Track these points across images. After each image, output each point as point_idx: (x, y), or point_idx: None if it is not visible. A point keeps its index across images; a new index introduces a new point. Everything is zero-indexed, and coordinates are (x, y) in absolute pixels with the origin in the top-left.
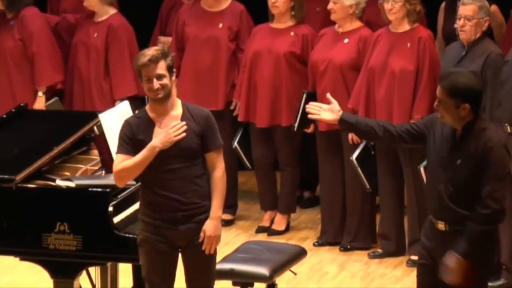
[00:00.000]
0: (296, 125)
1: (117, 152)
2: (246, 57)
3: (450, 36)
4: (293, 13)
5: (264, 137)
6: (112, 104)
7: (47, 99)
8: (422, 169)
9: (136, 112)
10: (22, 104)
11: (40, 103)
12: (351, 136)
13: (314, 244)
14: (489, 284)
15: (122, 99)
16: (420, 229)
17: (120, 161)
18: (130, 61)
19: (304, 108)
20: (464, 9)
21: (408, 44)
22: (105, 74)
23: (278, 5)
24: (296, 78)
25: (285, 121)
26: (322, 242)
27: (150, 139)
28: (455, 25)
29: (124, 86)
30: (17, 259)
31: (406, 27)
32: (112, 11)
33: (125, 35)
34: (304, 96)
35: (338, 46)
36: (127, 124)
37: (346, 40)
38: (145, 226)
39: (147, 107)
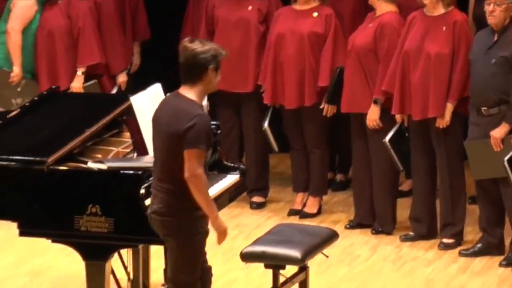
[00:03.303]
0: (326, 99)
1: (202, 148)
2: (270, 39)
3: (481, 20)
4: None
5: (295, 118)
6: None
7: (86, 81)
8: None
9: (196, 106)
10: (53, 87)
11: (78, 82)
12: (373, 121)
13: (345, 227)
14: None
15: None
16: (452, 212)
17: (201, 164)
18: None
19: (336, 83)
20: None
21: (444, 27)
22: None
23: None
24: (320, 58)
25: (308, 101)
26: (353, 224)
27: None
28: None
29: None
30: (49, 241)
31: (441, 10)
32: None
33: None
34: (337, 71)
35: (366, 30)
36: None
37: (370, 25)
38: (202, 219)
39: (197, 101)
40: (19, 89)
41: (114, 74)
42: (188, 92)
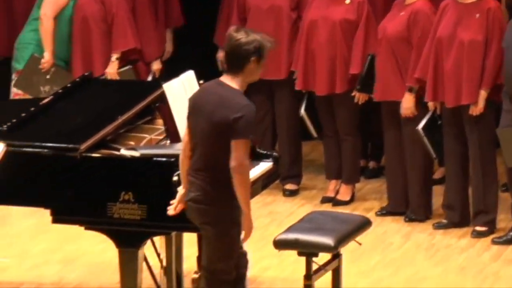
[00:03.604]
0: (359, 86)
1: (250, 138)
2: (302, 26)
3: None
4: None
5: (326, 105)
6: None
7: (121, 67)
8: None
9: (239, 93)
10: (86, 73)
11: (112, 68)
12: (407, 110)
13: (377, 214)
14: None
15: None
16: (485, 200)
17: (249, 150)
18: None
19: (367, 70)
20: None
21: (477, 14)
22: None
23: None
24: (351, 45)
25: (339, 88)
26: (386, 212)
27: None
28: None
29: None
30: (82, 228)
31: None
32: None
33: None
34: (369, 59)
35: (397, 18)
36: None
37: (402, 13)
38: (239, 209)
39: (240, 90)
40: (48, 76)
41: (148, 61)
42: (231, 81)
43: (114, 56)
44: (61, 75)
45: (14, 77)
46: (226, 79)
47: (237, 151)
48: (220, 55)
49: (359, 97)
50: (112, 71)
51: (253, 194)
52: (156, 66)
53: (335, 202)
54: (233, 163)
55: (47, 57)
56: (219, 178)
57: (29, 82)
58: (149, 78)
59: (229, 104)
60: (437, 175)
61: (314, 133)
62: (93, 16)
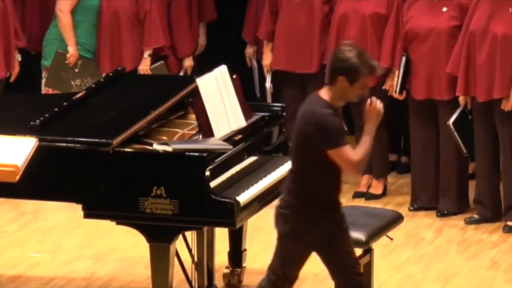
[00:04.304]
0: (398, 88)
1: (342, 144)
2: (334, 19)
3: None
4: None
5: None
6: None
7: (153, 62)
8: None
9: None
10: (119, 68)
11: (145, 65)
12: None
13: (409, 209)
14: None
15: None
16: None
17: (352, 152)
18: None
19: (405, 71)
20: None
21: (510, 9)
22: None
23: None
24: (382, 38)
25: (370, 82)
26: (417, 207)
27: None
28: None
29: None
30: (114, 223)
31: None
32: None
33: None
34: (404, 59)
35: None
36: (335, 116)
37: (444, 9)
38: (315, 221)
39: (329, 101)
40: (76, 70)
41: (180, 57)
42: (325, 93)
43: (147, 53)
44: (89, 66)
45: (44, 74)
46: (323, 89)
47: (338, 161)
48: (249, 51)
49: (398, 97)
50: (145, 67)
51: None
52: (188, 63)
53: (368, 196)
54: (345, 172)
55: (71, 51)
56: (298, 189)
57: (58, 79)
58: (181, 75)
59: (309, 115)
60: (469, 170)
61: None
62: (124, 10)
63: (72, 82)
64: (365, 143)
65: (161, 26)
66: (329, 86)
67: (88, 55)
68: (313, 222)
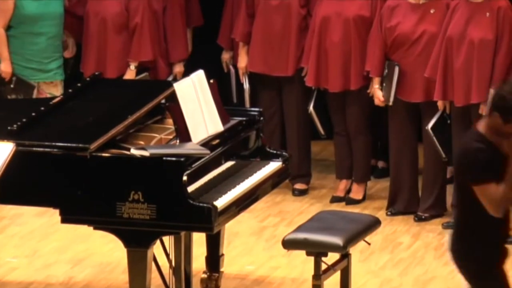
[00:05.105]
0: (391, 99)
1: (486, 181)
2: (314, 22)
3: None
4: None
5: (339, 102)
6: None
7: (136, 73)
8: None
9: (475, 139)
10: (97, 73)
11: (130, 75)
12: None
13: (387, 214)
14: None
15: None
16: None
17: (495, 190)
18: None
19: (397, 81)
20: None
21: (487, 13)
22: None
23: None
24: (363, 43)
25: (354, 85)
26: (395, 212)
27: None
28: None
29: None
30: (91, 228)
31: None
32: None
33: None
34: (397, 69)
35: (425, 16)
36: (486, 150)
37: (432, 11)
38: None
39: (483, 134)
40: (12, 86)
41: (172, 62)
42: (482, 124)
43: (133, 65)
44: (22, 84)
45: None
46: (481, 120)
47: (481, 199)
48: (225, 56)
49: (380, 98)
50: (130, 78)
51: (263, 193)
52: (178, 68)
53: (348, 200)
54: (488, 212)
55: (3, 68)
56: (460, 229)
57: None
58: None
59: (460, 148)
60: (448, 174)
61: (321, 131)
62: (113, 19)
63: (9, 97)
64: (507, 182)
65: (150, 40)
66: (487, 118)
67: (22, 71)
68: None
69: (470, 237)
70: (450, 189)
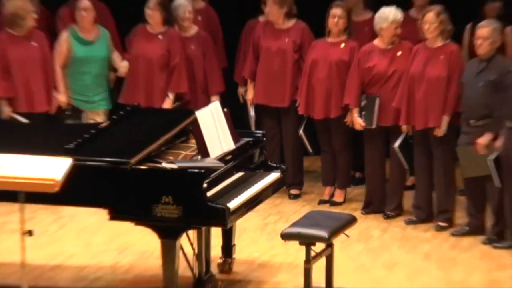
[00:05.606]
0: (374, 123)
1: None
2: (306, 63)
3: (472, 51)
4: (346, 31)
5: (324, 126)
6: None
7: (173, 103)
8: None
9: None
10: (136, 104)
11: (168, 104)
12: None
13: (362, 213)
14: (495, 244)
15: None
16: (446, 202)
17: None
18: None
19: (379, 109)
20: (482, 31)
21: (442, 56)
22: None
23: (340, 24)
24: (344, 80)
25: (333, 113)
26: (368, 211)
27: None
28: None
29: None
30: (132, 224)
31: (439, 43)
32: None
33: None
34: (377, 100)
35: (396, 59)
36: None
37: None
38: None
39: None
40: (67, 112)
41: (211, 94)
42: None
43: (171, 95)
44: (75, 111)
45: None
46: None
47: None
48: (240, 90)
49: (360, 124)
50: (168, 106)
51: (265, 197)
52: (215, 99)
53: (332, 203)
54: None
55: (60, 98)
56: None
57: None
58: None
59: None
60: (409, 182)
61: (309, 149)
62: (158, 59)
63: (66, 121)
64: None
65: (186, 76)
66: None
67: (74, 102)
68: None
69: None
70: (411, 194)
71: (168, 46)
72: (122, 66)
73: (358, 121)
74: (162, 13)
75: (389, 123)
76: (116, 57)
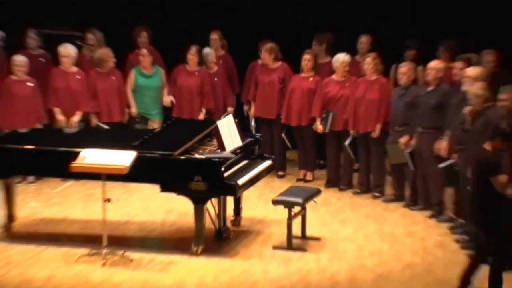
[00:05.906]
0: (328, 129)
1: None
2: (288, 91)
3: (396, 81)
4: (314, 68)
5: (299, 131)
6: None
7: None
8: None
9: None
10: (178, 116)
11: (202, 116)
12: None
13: (325, 187)
14: (411, 208)
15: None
16: (379, 179)
17: None
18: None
19: (332, 119)
20: (402, 69)
21: (376, 86)
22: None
23: (309, 65)
24: (311, 101)
25: (304, 122)
26: (329, 186)
27: None
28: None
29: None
30: (175, 194)
31: (375, 77)
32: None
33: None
34: (331, 114)
35: (344, 87)
36: None
37: (347, 84)
38: None
39: None
40: (137, 120)
41: (228, 106)
42: None
43: (204, 110)
44: (142, 120)
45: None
46: None
47: None
48: (246, 107)
49: (320, 129)
50: (202, 118)
51: (261, 177)
52: (230, 110)
53: (305, 181)
54: None
55: (132, 110)
56: None
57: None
58: (224, 115)
59: None
60: (355, 167)
61: (289, 145)
62: (197, 87)
63: (135, 126)
64: None
65: (212, 98)
66: None
67: (141, 113)
68: None
69: None
70: (354, 175)
71: (201, 79)
72: (165, 101)
73: (319, 127)
74: (198, 58)
75: (340, 128)
76: (165, 91)
